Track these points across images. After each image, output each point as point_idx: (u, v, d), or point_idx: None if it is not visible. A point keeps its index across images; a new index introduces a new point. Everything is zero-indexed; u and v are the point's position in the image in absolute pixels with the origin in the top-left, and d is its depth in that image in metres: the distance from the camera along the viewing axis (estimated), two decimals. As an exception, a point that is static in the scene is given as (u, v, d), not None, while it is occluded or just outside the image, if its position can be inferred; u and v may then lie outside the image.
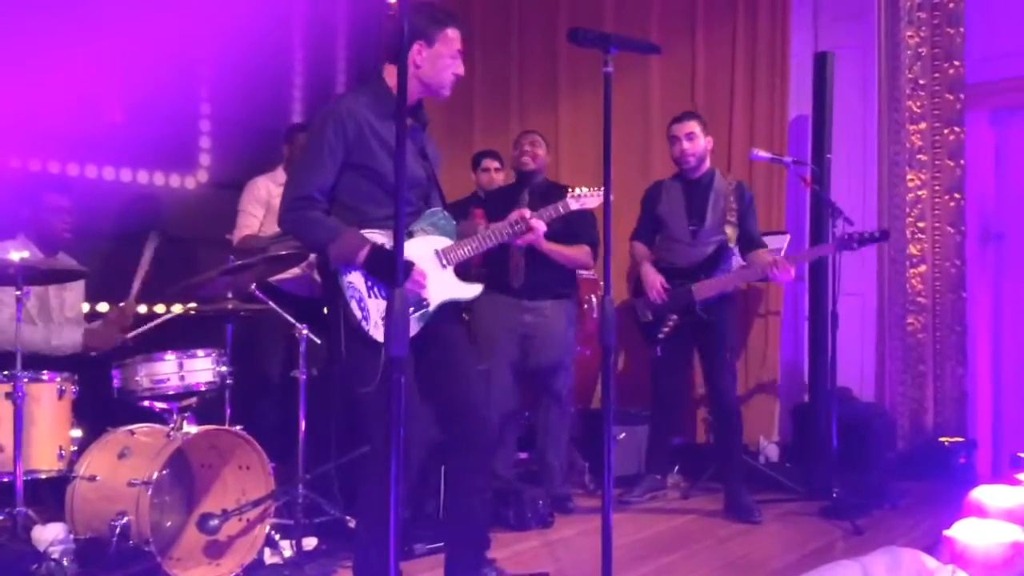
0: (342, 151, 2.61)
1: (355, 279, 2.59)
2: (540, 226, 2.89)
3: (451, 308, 2.82)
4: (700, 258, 4.28)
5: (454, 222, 2.85)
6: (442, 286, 2.73)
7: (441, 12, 2.76)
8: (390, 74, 2.73)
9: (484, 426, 2.79)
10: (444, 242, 2.78)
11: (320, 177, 2.61)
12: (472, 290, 2.81)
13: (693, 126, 4.28)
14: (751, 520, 4.12)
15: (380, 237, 2.62)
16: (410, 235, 2.71)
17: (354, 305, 2.55)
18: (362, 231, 2.62)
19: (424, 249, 2.73)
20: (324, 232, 2.57)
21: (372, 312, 2.57)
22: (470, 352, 2.99)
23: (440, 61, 2.72)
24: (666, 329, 4.30)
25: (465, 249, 2.80)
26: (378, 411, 2.47)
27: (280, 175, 4.76)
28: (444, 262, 2.76)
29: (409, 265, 2.60)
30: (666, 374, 4.42)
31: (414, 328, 2.61)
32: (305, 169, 2.63)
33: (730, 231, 4.22)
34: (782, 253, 5.06)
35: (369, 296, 2.58)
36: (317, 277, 4.76)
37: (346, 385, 2.67)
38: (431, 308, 2.69)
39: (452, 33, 2.73)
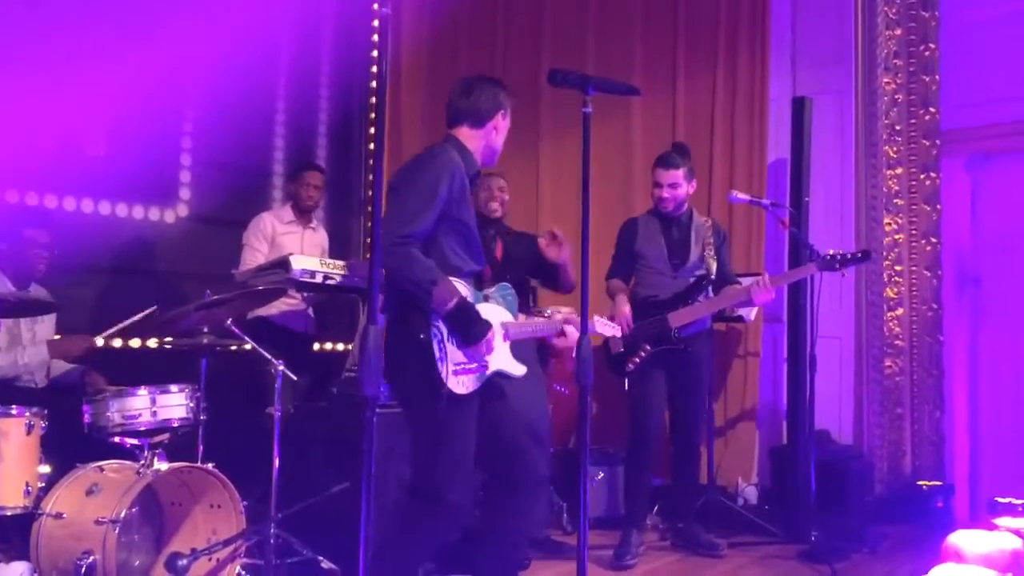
0: (444, 202, 2.69)
1: (440, 323, 2.65)
2: (576, 337, 2.93)
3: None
4: (681, 288, 4.24)
5: (518, 300, 2.97)
6: (501, 356, 2.82)
7: (506, 86, 2.98)
8: (466, 137, 2.86)
9: (534, 469, 2.83)
10: (508, 317, 2.88)
11: (425, 221, 2.66)
12: (520, 369, 2.89)
13: (678, 177, 4.24)
14: (717, 554, 4.21)
15: (463, 288, 2.71)
16: (485, 298, 2.82)
17: (435, 345, 2.62)
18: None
19: (494, 317, 2.80)
20: (428, 273, 2.61)
21: (448, 357, 2.65)
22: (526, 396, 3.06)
23: (505, 131, 2.94)
24: (636, 360, 4.18)
25: (523, 330, 2.90)
26: (434, 444, 2.64)
27: (287, 212, 4.78)
28: (505, 336, 2.85)
29: (488, 325, 2.70)
30: (642, 411, 4.26)
31: (472, 385, 2.71)
32: (413, 209, 2.66)
33: (711, 263, 4.23)
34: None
35: (448, 341, 2.65)
36: (311, 313, 4.79)
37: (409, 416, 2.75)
38: (488, 372, 2.76)
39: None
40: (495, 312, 2.82)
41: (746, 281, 4.60)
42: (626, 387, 4.25)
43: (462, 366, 2.66)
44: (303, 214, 4.80)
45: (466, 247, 2.78)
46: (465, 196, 2.76)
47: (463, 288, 2.71)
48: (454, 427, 2.65)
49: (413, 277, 2.60)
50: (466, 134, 2.86)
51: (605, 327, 3.22)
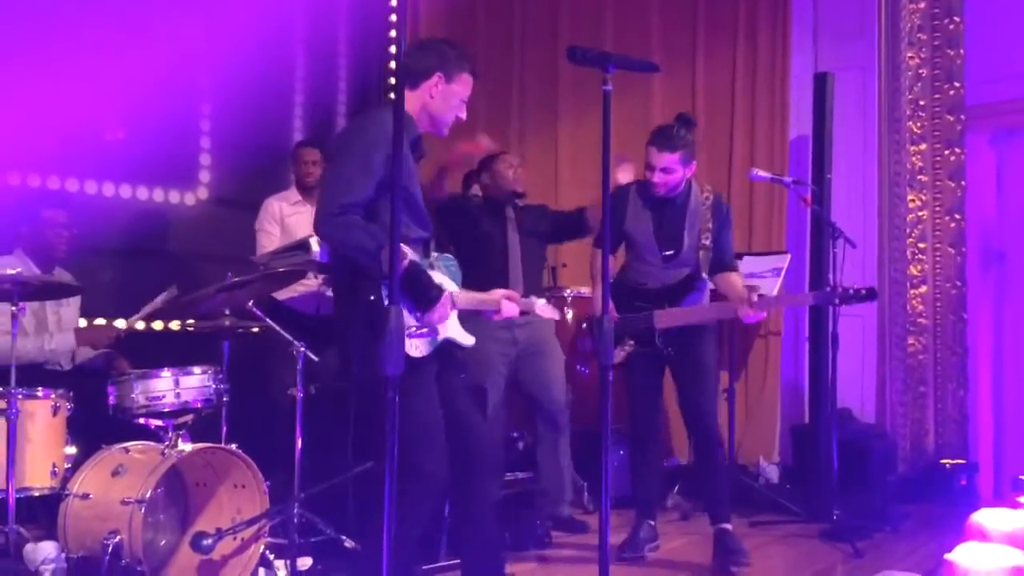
0: (382, 167, 2.60)
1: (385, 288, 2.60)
2: (510, 312, 2.95)
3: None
4: (671, 281, 3.86)
5: (460, 271, 2.93)
6: (450, 325, 2.79)
7: (465, 54, 2.82)
8: (406, 99, 2.73)
9: (487, 443, 2.82)
10: (453, 287, 2.84)
11: (363, 189, 2.58)
12: (469, 339, 2.86)
13: (674, 161, 3.75)
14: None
15: (409, 252, 2.66)
16: (431, 267, 2.78)
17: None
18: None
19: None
20: (372, 239, 2.54)
21: None
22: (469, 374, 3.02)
23: (452, 100, 2.78)
24: (621, 354, 3.86)
25: (468, 299, 2.86)
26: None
27: (293, 194, 4.79)
28: (453, 305, 2.81)
29: (442, 290, 2.67)
30: (638, 405, 3.93)
31: (425, 349, 2.67)
32: (348, 178, 2.59)
33: (703, 256, 3.84)
34: (781, 275, 5.00)
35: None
36: (329, 293, 4.80)
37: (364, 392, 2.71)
38: (439, 338, 2.74)
39: (469, 78, 2.80)
40: (441, 281, 2.78)
41: (769, 261, 4.56)
42: (609, 380, 4.04)
43: (413, 329, 2.62)
44: (308, 193, 4.80)
45: (409, 213, 2.68)
46: (405, 160, 2.64)
47: (409, 252, 2.65)
48: (414, 392, 2.58)
49: (358, 245, 2.53)
50: (406, 95, 2.72)
51: (545, 310, 3.19)
